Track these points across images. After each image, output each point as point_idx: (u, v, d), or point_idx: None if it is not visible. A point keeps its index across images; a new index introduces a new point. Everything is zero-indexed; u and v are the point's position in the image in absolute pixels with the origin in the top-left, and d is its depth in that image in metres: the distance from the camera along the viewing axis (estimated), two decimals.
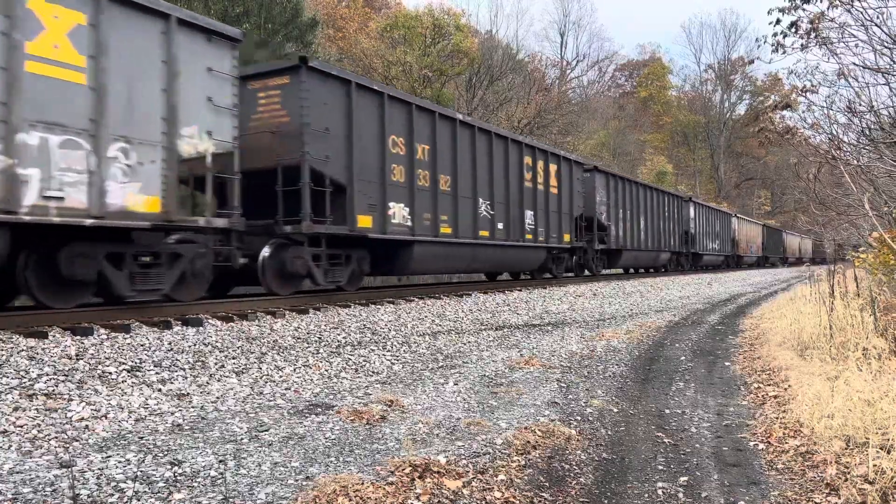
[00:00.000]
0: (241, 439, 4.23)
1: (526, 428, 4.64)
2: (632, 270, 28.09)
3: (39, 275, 7.43)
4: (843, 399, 4.74)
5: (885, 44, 7.61)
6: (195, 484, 3.43)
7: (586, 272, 22.02)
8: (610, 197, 22.77)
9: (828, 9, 7.42)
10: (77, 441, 4.10)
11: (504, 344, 8.71)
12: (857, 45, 7.78)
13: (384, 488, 3.43)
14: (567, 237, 19.32)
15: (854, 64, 8.06)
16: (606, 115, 57.61)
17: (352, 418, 4.76)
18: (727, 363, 7.82)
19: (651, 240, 26.93)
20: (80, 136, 7.10)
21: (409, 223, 12.41)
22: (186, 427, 4.50)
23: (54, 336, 6.43)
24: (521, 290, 15.66)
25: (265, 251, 10.05)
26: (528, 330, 10.15)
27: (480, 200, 14.88)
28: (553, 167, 18.58)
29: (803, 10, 7.50)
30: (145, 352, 6.26)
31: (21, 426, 4.21)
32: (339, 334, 8.30)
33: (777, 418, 5.11)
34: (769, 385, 6.36)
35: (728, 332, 10.63)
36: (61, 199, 6.91)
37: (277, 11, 21.53)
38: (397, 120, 12.17)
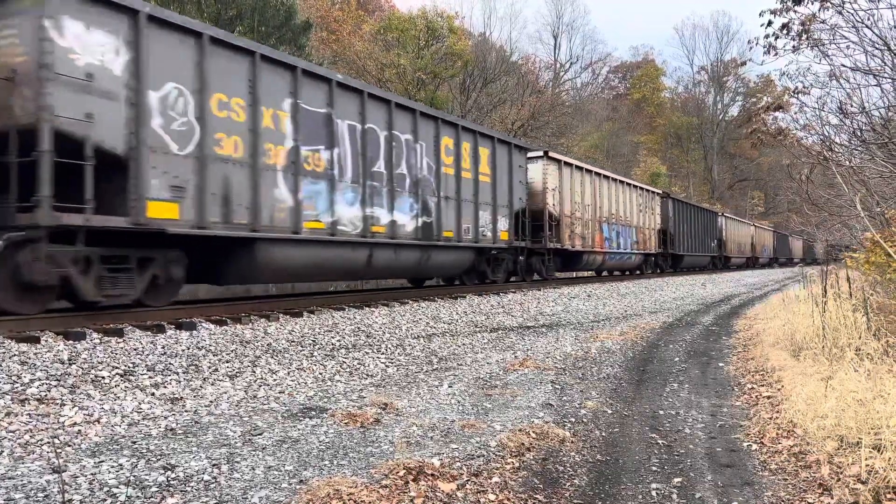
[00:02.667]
0: (235, 443, 4.22)
1: (520, 430, 4.64)
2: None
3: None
4: (836, 399, 4.76)
5: (876, 45, 7.64)
6: (188, 488, 3.42)
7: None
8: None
9: (819, 11, 7.46)
10: (69, 446, 4.09)
11: (498, 346, 8.71)
12: (848, 47, 7.81)
13: (378, 491, 3.43)
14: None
15: (845, 65, 8.10)
16: (600, 117, 57.67)
17: (346, 421, 4.75)
18: (721, 364, 7.84)
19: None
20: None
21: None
22: (180, 431, 4.49)
23: (46, 340, 6.40)
24: (515, 293, 15.67)
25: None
26: (523, 332, 10.15)
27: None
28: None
29: (795, 11, 7.53)
30: (138, 356, 6.24)
31: (13, 431, 4.18)
32: (333, 337, 8.28)
33: (770, 419, 5.13)
34: (763, 386, 6.38)
35: (722, 333, 10.65)
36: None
37: (271, 14, 21.49)
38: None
